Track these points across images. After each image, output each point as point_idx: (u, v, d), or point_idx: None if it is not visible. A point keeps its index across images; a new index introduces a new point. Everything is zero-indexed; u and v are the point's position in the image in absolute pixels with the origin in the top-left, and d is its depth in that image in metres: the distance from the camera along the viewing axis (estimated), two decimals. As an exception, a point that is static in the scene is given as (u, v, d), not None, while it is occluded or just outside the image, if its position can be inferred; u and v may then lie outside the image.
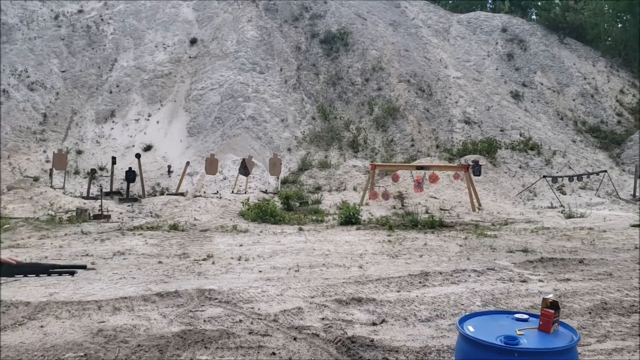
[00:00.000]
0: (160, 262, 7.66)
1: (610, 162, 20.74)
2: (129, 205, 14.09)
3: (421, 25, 28.09)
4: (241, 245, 9.15)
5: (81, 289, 5.93)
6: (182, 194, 15.46)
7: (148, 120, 20.69)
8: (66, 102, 20.79)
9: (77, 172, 17.60)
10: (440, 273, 6.78)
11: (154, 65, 22.78)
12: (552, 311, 2.21)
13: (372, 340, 4.20)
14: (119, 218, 12.52)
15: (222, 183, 16.56)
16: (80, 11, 24.86)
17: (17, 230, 10.26)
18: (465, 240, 9.76)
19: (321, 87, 23.14)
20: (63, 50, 22.70)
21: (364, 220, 12.36)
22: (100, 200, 13.40)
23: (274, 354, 3.94)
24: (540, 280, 6.49)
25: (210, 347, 4.04)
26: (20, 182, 14.83)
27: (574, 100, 24.91)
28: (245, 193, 15.44)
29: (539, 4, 34.15)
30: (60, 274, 2.52)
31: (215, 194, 15.61)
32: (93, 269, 7.09)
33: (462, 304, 5.39)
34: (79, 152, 18.73)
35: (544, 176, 18.07)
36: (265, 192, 16.28)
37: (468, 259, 7.95)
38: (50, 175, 16.24)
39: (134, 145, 19.26)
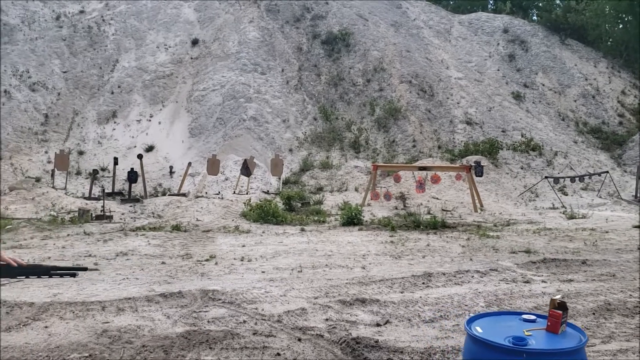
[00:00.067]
0: (163, 263, 7.66)
1: (612, 163, 20.72)
2: (131, 206, 14.10)
3: (422, 26, 28.10)
4: (244, 246, 9.15)
5: (85, 289, 5.93)
6: (184, 195, 15.47)
7: (150, 120, 20.71)
8: (68, 103, 20.81)
9: (78, 173, 17.62)
10: (444, 274, 6.78)
11: (155, 66, 22.80)
12: (560, 312, 2.21)
13: (376, 341, 4.20)
14: (121, 219, 12.53)
15: (223, 184, 16.56)
16: (81, 12, 24.89)
17: (20, 231, 10.27)
18: (468, 241, 9.76)
19: (323, 88, 23.15)
20: (64, 51, 22.73)
21: (366, 221, 12.36)
22: (102, 201, 13.41)
23: (278, 354, 3.94)
24: (543, 281, 6.48)
25: (215, 348, 4.04)
26: (22, 183, 14.84)
27: (575, 101, 24.90)
28: (246, 194, 15.44)
29: (540, 5, 34.14)
30: (61, 275, 2.52)
31: (217, 194, 15.62)
32: (96, 269, 7.09)
33: (466, 305, 5.38)
34: (81, 153, 18.75)
35: (546, 177, 18.07)
36: (267, 192, 16.29)
37: (471, 259, 7.95)
38: (52, 175, 16.26)
39: (135, 146, 19.28)
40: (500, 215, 14.16)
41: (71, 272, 2.55)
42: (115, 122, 20.51)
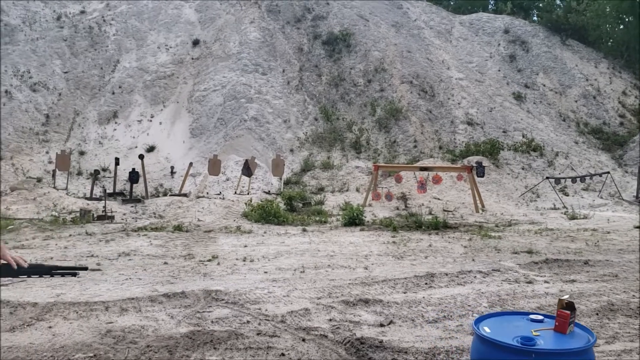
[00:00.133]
0: (165, 263, 7.66)
1: (613, 164, 20.72)
2: (132, 206, 14.10)
3: (423, 26, 28.11)
4: (246, 246, 9.15)
5: (88, 289, 5.93)
6: (185, 195, 15.47)
7: (151, 121, 20.71)
8: (69, 103, 20.82)
9: (79, 173, 17.63)
10: (446, 274, 6.78)
11: (156, 67, 22.80)
12: (568, 312, 2.21)
13: (381, 342, 4.20)
14: (122, 219, 12.53)
15: (224, 184, 16.56)
16: (82, 12, 24.90)
17: (22, 231, 10.27)
18: (470, 241, 9.76)
19: (323, 88, 23.15)
20: (65, 51, 22.74)
21: (368, 222, 12.36)
22: (103, 201, 13.41)
23: (283, 354, 3.94)
24: (545, 282, 6.48)
25: (220, 348, 4.04)
26: (23, 183, 14.85)
27: (576, 101, 24.90)
28: (247, 194, 15.44)
29: (541, 5, 34.14)
30: (62, 275, 2.53)
31: (218, 194, 15.62)
32: (99, 269, 7.09)
33: (469, 306, 5.38)
34: (82, 153, 18.76)
35: (547, 177, 18.07)
36: (268, 192, 16.29)
37: (473, 260, 7.95)
38: (53, 176, 16.26)
39: (136, 146, 19.28)
40: (502, 215, 14.16)
41: (72, 271, 2.56)
42: (116, 123, 20.51)
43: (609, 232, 10.98)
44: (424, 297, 5.67)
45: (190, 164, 17.00)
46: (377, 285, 6.22)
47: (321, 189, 17.14)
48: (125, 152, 18.89)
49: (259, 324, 4.68)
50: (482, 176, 16.16)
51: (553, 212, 15.06)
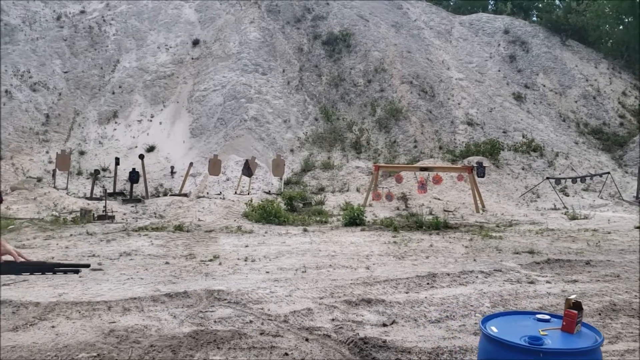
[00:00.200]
0: (167, 263, 7.66)
1: (613, 164, 20.74)
2: (132, 206, 14.09)
3: (423, 26, 28.12)
4: (247, 246, 9.14)
5: (90, 289, 5.93)
6: (185, 195, 15.47)
7: (151, 121, 20.70)
8: (69, 103, 20.80)
9: (80, 173, 17.61)
10: (448, 274, 6.78)
11: (156, 67, 22.79)
12: (576, 312, 2.21)
13: (384, 341, 4.20)
14: (123, 219, 12.52)
15: (225, 184, 16.56)
16: (82, 12, 24.88)
17: (22, 231, 10.26)
18: (471, 241, 9.76)
19: (324, 89, 23.15)
20: (65, 51, 22.72)
21: (369, 222, 12.36)
22: (104, 201, 13.40)
23: (286, 354, 3.94)
24: (547, 282, 6.48)
25: (223, 348, 4.04)
26: (23, 183, 14.83)
27: (576, 102, 24.92)
28: (248, 194, 15.44)
29: (541, 5, 34.17)
30: (65, 272, 2.54)
31: (219, 194, 15.61)
32: (100, 269, 7.09)
33: (471, 306, 5.39)
34: (82, 153, 18.74)
35: (547, 178, 18.08)
36: (269, 193, 16.29)
37: (474, 260, 7.95)
38: (53, 176, 16.25)
39: (136, 146, 19.27)
40: (502, 215, 14.17)
41: (74, 269, 2.57)
42: (116, 122, 20.50)
43: (609, 233, 10.99)
44: (426, 297, 5.67)
45: (191, 164, 16.99)
46: (379, 285, 6.22)
47: (321, 189, 17.14)
48: (125, 152, 18.87)
49: (262, 323, 4.68)
50: (483, 176, 16.16)
51: (553, 212, 15.07)
